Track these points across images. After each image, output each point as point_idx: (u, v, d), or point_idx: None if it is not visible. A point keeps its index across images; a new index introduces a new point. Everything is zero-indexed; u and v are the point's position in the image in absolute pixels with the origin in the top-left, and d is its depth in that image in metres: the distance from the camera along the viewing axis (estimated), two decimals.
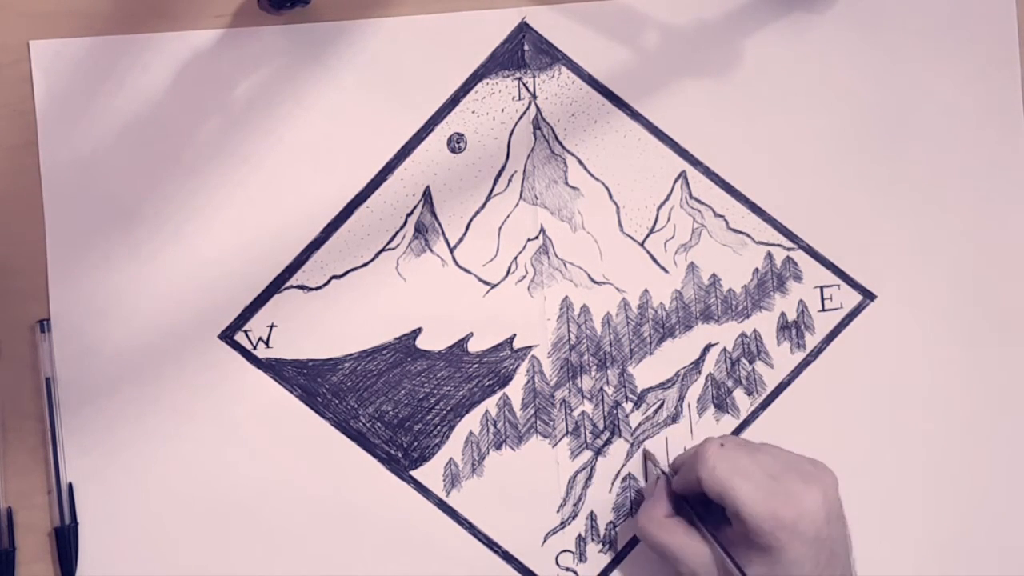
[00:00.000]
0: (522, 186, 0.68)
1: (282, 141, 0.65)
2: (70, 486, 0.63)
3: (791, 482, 0.61)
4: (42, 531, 0.63)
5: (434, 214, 0.67)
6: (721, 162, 0.70)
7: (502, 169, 0.68)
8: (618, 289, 0.69)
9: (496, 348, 0.68)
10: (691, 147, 0.70)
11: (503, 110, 0.68)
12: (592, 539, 0.69)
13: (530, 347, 0.68)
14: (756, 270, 0.71)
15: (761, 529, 0.60)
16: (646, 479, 0.70)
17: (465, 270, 0.67)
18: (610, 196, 0.69)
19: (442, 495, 0.67)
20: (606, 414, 0.69)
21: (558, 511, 0.69)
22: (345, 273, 0.66)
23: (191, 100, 0.64)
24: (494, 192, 0.68)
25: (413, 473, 0.67)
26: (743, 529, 0.61)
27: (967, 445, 0.73)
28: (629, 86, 0.69)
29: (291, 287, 0.65)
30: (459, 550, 0.67)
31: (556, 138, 0.68)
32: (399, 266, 0.67)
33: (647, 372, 0.70)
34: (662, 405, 0.70)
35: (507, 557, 0.68)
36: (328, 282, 0.66)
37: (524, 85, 0.68)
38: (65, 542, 0.62)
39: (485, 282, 0.68)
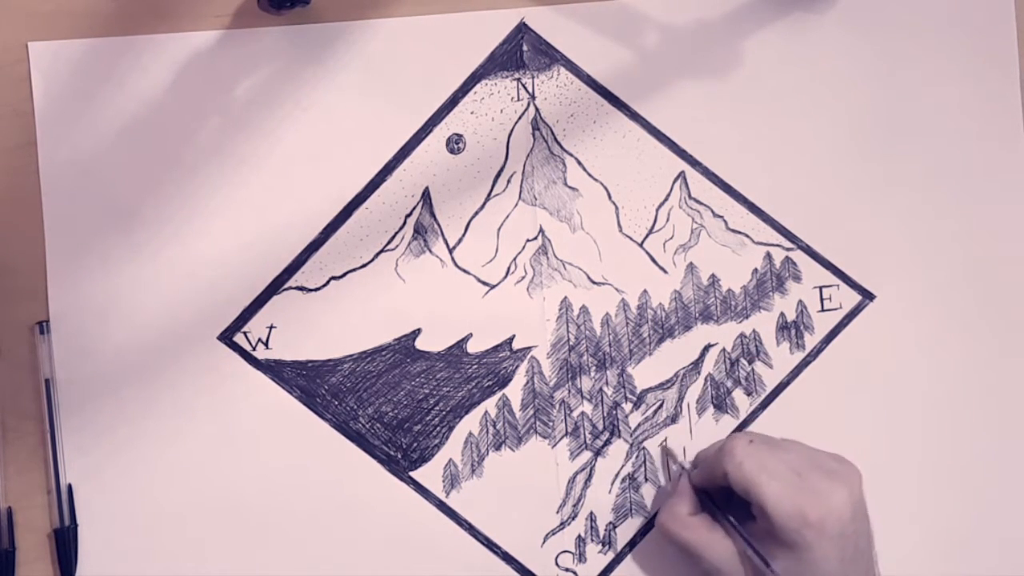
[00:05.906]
0: (521, 187, 0.68)
1: (282, 142, 0.65)
2: (70, 487, 0.63)
3: (817, 480, 0.62)
4: (42, 531, 0.63)
5: (433, 215, 0.67)
6: (720, 162, 0.70)
7: (501, 170, 0.68)
8: (617, 290, 0.69)
9: (495, 349, 0.68)
10: (690, 147, 0.70)
11: (502, 111, 0.68)
12: (592, 540, 0.69)
13: (529, 348, 0.68)
14: (755, 270, 0.71)
15: (788, 527, 0.60)
16: (668, 478, 0.69)
17: (464, 271, 0.67)
18: (609, 197, 0.69)
19: (441, 496, 0.67)
20: (605, 415, 0.69)
21: (557, 512, 0.69)
22: (344, 274, 0.66)
23: (191, 101, 0.64)
24: (493, 193, 0.68)
25: (412, 474, 0.67)
26: (768, 525, 0.61)
27: (966, 444, 0.73)
28: (628, 86, 0.69)
29: (290, 288, 0.65)
30: (459, 551, 0.67)
31: (555, 139, 0.68)
32: (398, 267, 0.67)
33: (646, 372, 0.70)
34: (661, 405, 0.70)
35: (507, 558, 0.68)
36: (327, 283, 0.66)
37: (523, 86, 0.68)
38: (65, 543, 0.62)
39: (484, 283, 0.68)
